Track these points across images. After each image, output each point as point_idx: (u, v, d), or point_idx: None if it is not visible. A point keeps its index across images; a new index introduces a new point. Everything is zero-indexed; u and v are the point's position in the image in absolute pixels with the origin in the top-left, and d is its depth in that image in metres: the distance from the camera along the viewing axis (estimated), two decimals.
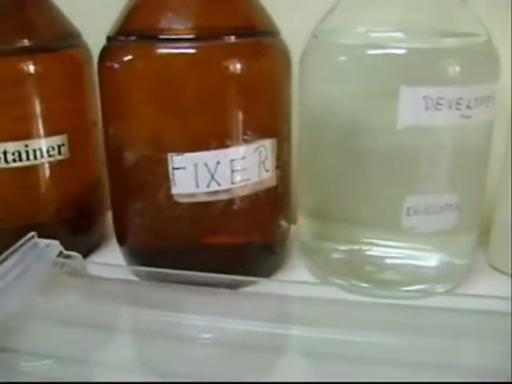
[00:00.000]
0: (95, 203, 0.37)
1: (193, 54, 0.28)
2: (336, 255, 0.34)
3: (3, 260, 0.30)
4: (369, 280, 0.33)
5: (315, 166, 0.33)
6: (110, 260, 0.35)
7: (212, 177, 0.29)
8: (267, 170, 0.30)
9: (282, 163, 0.31)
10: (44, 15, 0.33)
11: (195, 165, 0.29)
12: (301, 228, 0.35)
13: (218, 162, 0.29)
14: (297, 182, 0.34)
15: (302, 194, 0.34)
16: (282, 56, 0.31)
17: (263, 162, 0.30)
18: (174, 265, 0.30)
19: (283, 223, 0.33)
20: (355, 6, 0.30)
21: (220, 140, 0.29)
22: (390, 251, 0.33)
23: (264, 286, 0.32)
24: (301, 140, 0.33)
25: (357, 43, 0.30)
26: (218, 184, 0.29)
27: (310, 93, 0.32)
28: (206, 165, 0.29)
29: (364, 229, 0.33)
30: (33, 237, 0.32)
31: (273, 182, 0.31)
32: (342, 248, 0.33)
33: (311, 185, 0.33)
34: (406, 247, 0.32)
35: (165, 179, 0.29)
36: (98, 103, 0.35)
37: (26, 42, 0.32)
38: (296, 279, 0.34)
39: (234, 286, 0.31)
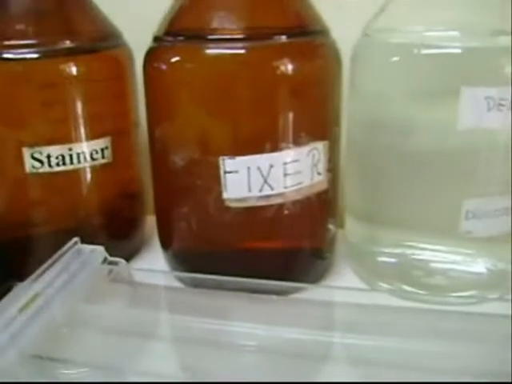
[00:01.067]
0: (136, 207, 0.36)
1: (243, 54, 0.28)
2: (384, 258, 0.33)
3: (48, 267, 0.29)
4: (416, 284, 0.32)
5: (366, 168, 0.32)
6: (151, 266, 0.35)
7: (265, 181, 0.28)
8: (319, 173, 0.30)
9: (333, 166, 0.31)
10: (86, 15, 0.32)
11: (248, 168, 0.28)
12: (348, 231, 0.34)
13: (272, 166, 0.28)
14: (345, 184, 0.33)
15: (350, 196, 0.34)
16: (333, 55, 0.30)
17: (315, 165, 0.29)
18: (221, 270, 0.30)
19: (332, 227, 0.32)
20: (408, 5, 0.30)
21: (273, 143, 0.28)
22: (439, 255, 0.32)
23: (312, 292, 0.31)
24: (350, 141, 0.32)
25: (411, 42, 0.29)
26: (271, 188, 0.28)
27: (361, 93, 0.31)
28: (258, 168, 0.28)
29: (414, 232, 0.32)
30: (76, 243, 0.31)
31: (324, 186, 0.30)
32: (390, 251, 0.33)
33: (361, 187, 0.33)
34: (456, 252, 0.32)
35: (215, 183, 0.29)
36: (139, 104, 0.34)
37: (68, 43, 0.31)
38: (343, 284, 0.33)
39: (281, 292, 0.30)
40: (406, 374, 0.25)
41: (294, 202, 0.29)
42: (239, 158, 0.28)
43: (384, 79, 0.30)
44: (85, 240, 0.31)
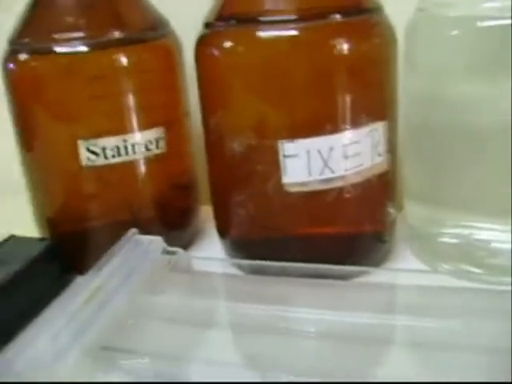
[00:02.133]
0: (190, 197, 0.36)
1: (298, 35, 0.27)
2: (445, 239, 0.32)
3: (109, 259, 0.29)
4: (480, 265, 0.31)
5: (425, 148, 0.31)
6: (207, 255, 0.35)
7: (325, 164, 0.28)
8: (380, 155, 0.29)
9: (392, 147, 0.30)
10: (134, 5, 0.32)
11: (308, 152, 0.27)
12: (408, 213, 0.34)
13: (332, 148, 0.27)
14: (403, 165, 0.33)
15: (409, 177, 0.33)
16: (388, 33, 0.29)
17: (375, 146, 0.29)
18: (280, 257, 0.29)
19: (392, 210, 0.32)
20: None
21: (332, 125, 0.27)
22: (501, 236, 0.31)
23: (373, 275, 0.31)
24: (408, 120, 0.32)
25: (468, 15, 0.28)
26: (332, 171, 0.28)
27: (418, 70, 0.30)
28: (319, 151, 0.27)
29: (475, 212, 0.31)
30: (134, 234, 0.31)
31: (384, 167, 0.30)
32: (451, 232, 0.32)
33: (420, 167, 0.32)
34: None
35: (274, 168, 0.28)
36: (189, 93, 0.34)
37: (117, 34, 0.31)
38: (405, 267, 0.32)
39: (342, 276, 0.30)
40: (468, 356, 0.24)
41: (355, 185, 0.29)
42: (299, 141, 0.27)
43: (443, 54, 0.29)
44: (140, 231, 0.31)
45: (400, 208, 0.33)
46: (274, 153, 0.28)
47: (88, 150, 0.30)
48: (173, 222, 0.35)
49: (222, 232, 0.33)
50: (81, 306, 0.26)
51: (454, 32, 0.28)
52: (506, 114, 0.28)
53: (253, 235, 0.32)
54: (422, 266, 0.33)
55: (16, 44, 0.32)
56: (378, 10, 0.29)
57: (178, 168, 0.35)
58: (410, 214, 0.33)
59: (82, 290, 0.27)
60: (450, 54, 0.29)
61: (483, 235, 0.31)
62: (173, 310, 0.29)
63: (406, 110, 0.31)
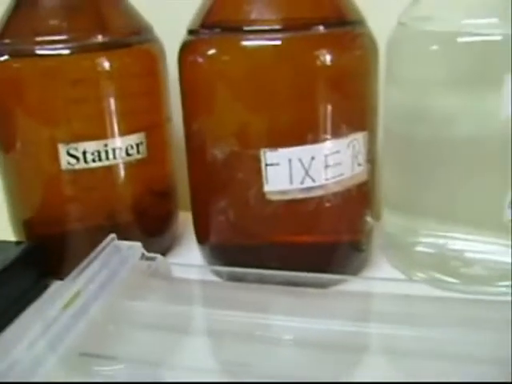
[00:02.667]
0: (169, 203, 0.36)
1: (281, 45, 0.27)
2: (421, 248, 0.33)
3: (88, 264, 0.29)
4: (454, 275, 0.32)
5: (404, 158, 0.32)
6: (185, 261, 0.35)
7: (306, 172, 0.28)
8: (359, 165, 0.29)
9: (372, 156, 0.30)
10: (117, 10, 0.32)
11: (289, 160, 0.28)
12: (385, 222, 0.34)
13: (313, 158, 0.28)
14: (382, 174, 0.33)
15: (387, 186, 0.33)
16: (370, 45, 0.29)
17: (356, 156, 0.29)
18: (259, 263, 0.30)
19: (370, 219, 0.32)
20: None
21: (313, 134, 0.28)
22: (477, 246, 0.32)
23: (351, 284, 0.31)
24: (387, 131, 0.32)
25: (449, 30, 0.28)
26: (313, 180, 0.28)
27: (399, 82, 0.31)
28: (300, 160, 0.28)
29: (452, 222, 0.32)
30: (113, 239, 0.31)
31: (364, 177, 0.30)
32: (427, 241, 0.33)
33: (399, 177, 0.32)
34: (494, 242, 0.31)
35: (256, 176, 0.28)
36: (171, 99, 0.34)
37: (101, 38, 0.31)
38: (381, 276, 0.33)
39: (320, 285, 0.30)
40: (444, 364, 0.25)
41: (335, 194, 0.29)
42: (281, 150, 0.28)
43: (423, 68, 0.29)
44: (119, 236, 0.31)
45: (377, 217, 0.34)
46: (256, 161, 0.28)
47: (68, 153, 0.30)
48: (151, 227, 0.35)
49: (201, 238, 0.33)
50: (59, 312, 0.26)
51: (434, 47, 0.29)
52: (484, 127, 0.29)
53: (232, 242, 0.32)
54: (398, 275, 0.33)
55: None
56: (360, 22, 0.29)
57: (158, 173, 0.35)
58: (388, 223, 0.34)
59: (60, 295, 0.27)
60: (430, 67, 0.29)
61: (457, 245, 0.32)
62: (151, 316, 0.29)
63: (385, 121, 0.32)
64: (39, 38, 0.30)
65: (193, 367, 0.26)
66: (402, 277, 0.33)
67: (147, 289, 0.30)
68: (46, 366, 0.23)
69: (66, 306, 0.26)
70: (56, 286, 0.30)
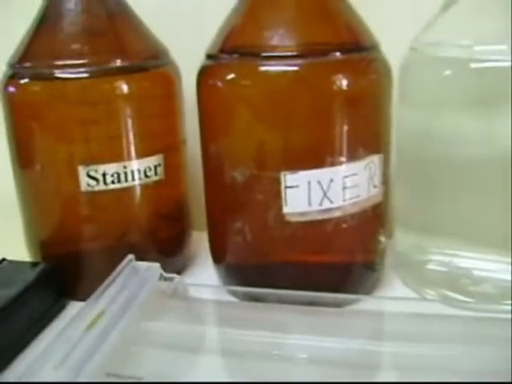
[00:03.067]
0: (184, 223, 0.36)
1: (299, 71, 0.28)
2: (431, 266, 0.33)
3: (108, 285, 0.29)
4: (464, 292, 0.32)
5: (416, 178, 0.32)
6: (199, 281, 0.35)
7: (325, 194, 0.29)
8: (375, 186, 0.30)
9: (386, 178, 0.31)
10: (136, 34, 0.33)
11: (309, 183, 0.28)
12: (397, 241, 0.35)
13: (332, 180, 0.28)
14: (395, 194, 0.34)
15: (399, 206, 0.34)
16: (385, 70, 0.30)
17: (372, 178, 0.30)
18: (275, 283, 0.30)
19: (383, 239, 0.33)
20: (457, 18, 0.30)
21: (332, 157, 0.28)
22: (487, 264, 0.32)
23: (364, 303, 0.32)
24: (400, 152, 0.33)
25: (461, 57, 0.29)
26: (331, 202, 0.29)
27: (412, 105, 0.32)
28: (319, 182, 0.28)
29: (462, 241, 0.32)
30: (131, 260, 0.31)
31: (379, 198, 0.31)
32: (436, 259, 0.33)
33: (411, 197, 0.33)
34: (504, 261, 0.32)
35: (275, 198, 0.29)
36: (187, 121, 0.35)
37: (119, 62, 0.31)
38: (393, 294, 0.33)
39: (335, 304, 0.31)
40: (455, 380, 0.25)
41: (351, 215, 0.30)
42: (301, 173, 0.28)
43: (435, 92, 0.30)
44: (135, 256, 0.31)
45: (389, 236, 0.35)
46: (276, 183, 0.29)
47: (88, 175, 0.31)
48: (166, 247, 0.35)
49: (217, 258, 0.34)
50: (82, 333, 0.26)
51: (447, 72, 0.30)
52: (494, 149, 0.30)
53: (248, 262, 0.32)
54: (410, 293, 0.34)
55: (17, 67, 0.32)
56: (374, 47, 0.30)
57: (174, 195, 0.35)
58: (399, 241, 0.35)
59: (83, 316, 0.27)
60: (442, 91, 0.30)
61: (465, 263, 0.32)
62: (172, 336, 0.29)
63: (398, 142, 0.33)
64: (59, 62, 0.30)
65: None
66: (414, 295, 0.33)
67: (167, 309, 0.31)
68: None
69: (89, 327, 0.27)
70: (79, 307, 0.30)
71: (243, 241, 0.31)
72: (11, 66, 0.32)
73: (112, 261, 0.31)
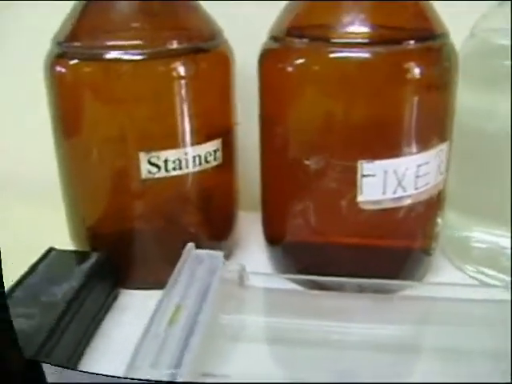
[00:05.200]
0: (234, 208, 0.36)
1: (373, 58, 0.27)
2: (473, 244, 0.35)
3: (177, 276, 0.29)
4: (503, 270, 0.33)
5: (463, 158, 0.33)
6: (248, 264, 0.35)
7: (399, 183, 0.28)
8: (441, 173, 0.30)
9: (448, 164, 0.31)
10: (193, 15, 0.31)
11: (385, 172, 0.28)
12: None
13: (407, 169, 0.28)
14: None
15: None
16: (455, 58, 0.30)
17: (439, 166, 0.30)
18: (333, 266, 0.31)
19: (440, 221, 0.33)
20: None
21: (408, 147, 0.28)
22: None
23: (418, 289, 0.32)
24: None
25: None
26: (404, 190, 0.29)
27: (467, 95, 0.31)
28: (395, 172, 0.28)
29: (503, 220, 0.33)
30: (192, 248, 0.31)
31: (443, 184, 0.31)
32: (479, 237, 0.34)
33: (457, 176, 0.33)
34: None
35: (349, 186, 0.29)
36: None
37: (180, 44, 0.30)
38: (443, 278, 0.34)
39: (389, 291, 0.31)
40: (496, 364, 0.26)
41: (421, 203, 0.30)
42: (378, 162, 0.28)
43: (492, 82, 0.31)
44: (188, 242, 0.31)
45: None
46: (351, 172, 0.28)
47: (149, 162, 0.29)
48: (218, 231, 0.35)
49: (275, 239, 0.34)
50: (166, 329, 0.25)
51: (507, 62, 0.30)
52: None
53: (308, 243, 0.32)
54: (458, 274, 0.35)
55: (65, 46, 0.30)
56: (446, 34, 0.30)
57: (228, 178, 0.34)
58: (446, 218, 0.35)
59: (163, 311, 0.26)
60: (500, 82, 0.30)
61: (506, 242, 0.33)
62: (251, 329, 0.29)
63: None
64: (118, 43, 0.29)
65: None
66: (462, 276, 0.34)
67: (237, 300, 0.30)
68: None
69: (171, 321, 0.26)
70: (142, 298, 0.29)
71: (306, 223, 0.31)
72: (58, 44, 0.30)
73: (165, 247, 0.31)
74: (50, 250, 0.32)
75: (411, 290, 0.32)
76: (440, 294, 0.32)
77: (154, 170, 0.30)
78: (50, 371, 0.22)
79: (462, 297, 0.29)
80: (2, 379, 0.21)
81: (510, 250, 0.33)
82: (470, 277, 0.34)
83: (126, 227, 0.32)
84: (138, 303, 0.32)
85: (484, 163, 0.32)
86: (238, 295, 0.30)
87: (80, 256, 0.31)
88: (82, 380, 0.23)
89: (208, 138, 0.31)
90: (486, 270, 0.34)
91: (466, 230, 0.35)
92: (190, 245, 0.30)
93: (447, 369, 0.27)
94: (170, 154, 0.30)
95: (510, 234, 0.33)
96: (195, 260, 0.30)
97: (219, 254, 0.30)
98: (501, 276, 0.33)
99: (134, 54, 0.29)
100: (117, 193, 0.31)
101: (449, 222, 0.35)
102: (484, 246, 0.34)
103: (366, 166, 0.28)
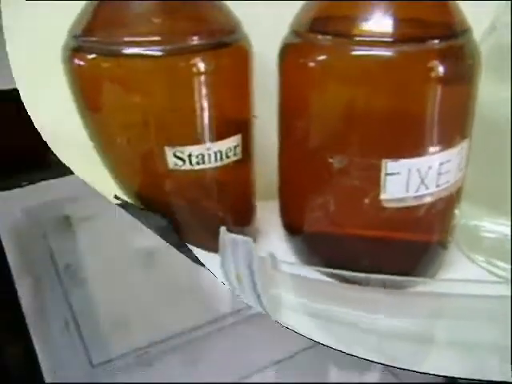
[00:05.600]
0: (252, 202, 0.36)
1: (396, 56, 0.27)
2: (483, 233, 0.35)
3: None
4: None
5: (480, 156, 0.32)
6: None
7: (422, 181, 0.29)
8: (461, 170, 0.30)
9: (467, 161, 0.31)
10: (214, 9, 0.31)
11: (408, 170, 0.28)
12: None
13: (430, 167, 0.29)
14: None
15: None
16: (477, 54, 0.30)
17: (460, 163, 0.30)
18: (352, 258, 0.31)
19: (457, 214, 0.33)
20: None
21: (432, 145, 0.28)
22: None
23: (432, 285, 0.33)
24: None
25: None
26: (426, 188, 0.29)
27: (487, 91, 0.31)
28: (418, 170, 0.28)
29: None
30: (226, 233, 0.30)
31: (462, 181, 0.31)
32: (489, 227, 0.35)
33: (472, 171, 0.33)
34: None
35: (371, 184, 0.29)
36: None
37: (201, 39, 0.29)
38: (457, 271, 0.34)
39: (403, 286, 0.32)
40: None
41: (441, 200, 0.30)
42: (402, 161, 0.28)
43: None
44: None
45: None
46: (375, 169, 0.28)
47: (175, 155, 0.30)
48: (240, 221, 0.35)
49: (294, 230, 0.34)
50: None
51: None
52: None
53: (329, 234, 0.32)
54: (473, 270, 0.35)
55: (81, 40, 0.29)
56: (469, 31, 0.29)
57: (246, 171, 0.34)
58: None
59: None
60: None
61: None
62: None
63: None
64: (137, 39, 0.28)
65: None
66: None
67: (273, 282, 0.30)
68: None
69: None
70: None
71: (326, 217, 0.31)
72: (75, 37, 0.30)
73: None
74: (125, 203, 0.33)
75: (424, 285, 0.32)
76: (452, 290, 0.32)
77: (180, 162, 0.30)
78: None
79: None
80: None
81: None
82: (481, 267, 0.35)
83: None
84: None
85: (495, 153, 0.33)
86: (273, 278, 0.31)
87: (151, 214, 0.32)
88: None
89: (228, 133, 0.31)
90: (495, 261, 0.34)
91: (476, 219, 0.35)
92: (223, 228, 0.30)
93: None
94: (194, 150, 0.30)
95: None
96: (233, 244, 0.30)
97: (249, 240, 0.30)
98: (509, 267, 0.34)
99: (154, 50, 0.28)
100: (152, 183, 0.32)
101: (460, 211, 0.36)
102: (493, 235, 0.35)
103: (390, 165, 0.28)
